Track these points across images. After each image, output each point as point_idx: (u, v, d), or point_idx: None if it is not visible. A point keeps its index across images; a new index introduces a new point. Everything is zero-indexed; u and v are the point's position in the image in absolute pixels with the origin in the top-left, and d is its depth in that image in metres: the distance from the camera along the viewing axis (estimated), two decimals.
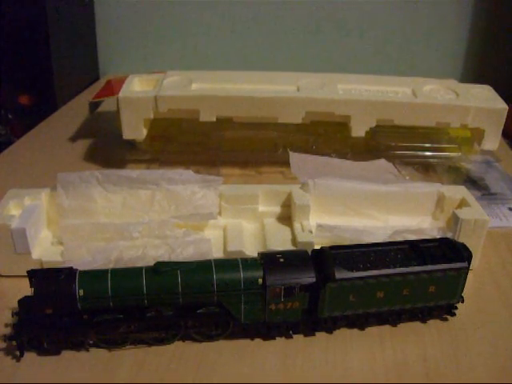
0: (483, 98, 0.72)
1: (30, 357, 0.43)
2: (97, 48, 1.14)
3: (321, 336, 0.46)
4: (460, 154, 0.75)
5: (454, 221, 0.53)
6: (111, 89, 0.78)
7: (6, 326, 0.45)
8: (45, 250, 0.52)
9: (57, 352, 0.43)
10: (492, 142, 0.71)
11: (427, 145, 0.76)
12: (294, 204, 0.55)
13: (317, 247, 0.48)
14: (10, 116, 0.95)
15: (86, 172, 0.54)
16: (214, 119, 0.69)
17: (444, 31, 1.11)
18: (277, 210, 0.58)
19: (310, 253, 0.46)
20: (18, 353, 0.42)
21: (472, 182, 0.72)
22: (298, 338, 0.46)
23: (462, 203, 0.56)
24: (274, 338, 0.46)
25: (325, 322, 0.46)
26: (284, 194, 0.58)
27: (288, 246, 0.53)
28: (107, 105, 0.83)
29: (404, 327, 0.48)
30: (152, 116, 0.68)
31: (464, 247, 0.47)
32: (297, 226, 0.55)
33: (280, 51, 1.12)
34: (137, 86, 0.72)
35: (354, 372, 0.43)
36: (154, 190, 0.55)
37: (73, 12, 1.01)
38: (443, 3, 1.08)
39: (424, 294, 0.46)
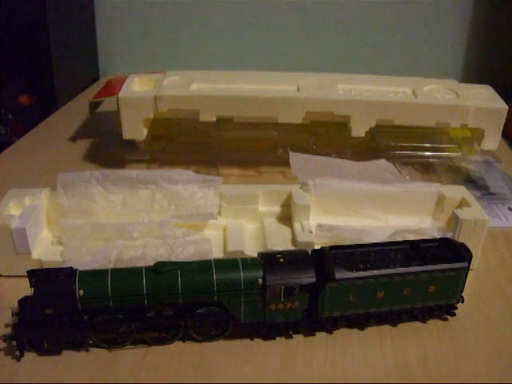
0: (483, 97, 0.72)
1: (29, 357, 0.43)
2: (97, 48, 1.14)
3: (321, 336, 0.46)
4: (460, 153, 0.76)
5: (454, 221, 0.53)
6: (111, 89, 0.78)
7: (6, 326, 0.45)
8: (45, 250, 0.52)
9: (57, 352, 0.43)
10: (492, 142, 0.71)
11: (427, 145, 0.76)
12: (294, 204, 0.55)
13: (317, 247, 0.48)
14: (9, 116, 0.95)
15: (86, 172, 0.54)
16: (214, 119, 0.69)
17: (444, 31, 1.11)
18: (277, 210, 0.58)
19: (310, 253, 0.46)
20: (18, 353, 0.42)
21: (472, 182, 0.72)
22: (298, 338, 0.46)
23: (462, 203, 0.56)
24: (274, 338, 0.46)
25: (325, 322, 0.46)
26: (284, 193, 0.58)
27: (288, 246, 0.53)
28: (107, 105, 0.82)
29: (404, 327, 0.48)
30: (152, 116, 0.68)
31: (464, 247, 0.47)
32: (297, 226, 0.55)
33: (280, 51, 1.12)
34: (137, 86, 0.72)
35: (354, 372, 0.43)
36: (153, 190, 0.55)
37: (73, 12, 1.01)
38: (443, 3, 1.08)
39: (424, 294, 0.46)
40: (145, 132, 0.70)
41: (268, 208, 0.58)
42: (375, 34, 1.11)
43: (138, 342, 0.44)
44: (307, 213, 0.55)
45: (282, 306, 0.44)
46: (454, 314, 0.49)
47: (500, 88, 0.75)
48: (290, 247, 0.53)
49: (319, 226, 0.53)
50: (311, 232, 0.53)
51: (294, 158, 0.62)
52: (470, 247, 0.48)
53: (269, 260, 0.44)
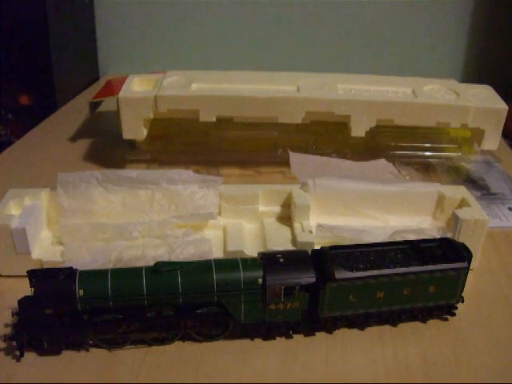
0: (483, 98, 0.72)
1: (29, 357, 0.43)
2: (97, 48, 1.14)
3: (321, 336, 0.46)
4: (460, 153, 0.75)
5: (454, 221, 0.53)
6: (111, 89, 0.78)
7: (6, 326, 0.45)
8: (45, 250, 0.52)
9: (57, 352, 0.43)
10: (492, 142, 0.71)
11: (427, 145, 0.76)
12: (294, 204, 0.55)
13: (317, 247, 0.48)
14: (9, 116, 0.95)
15: (86, 172, 0.54)
16: (214, 119, 0.69)
17: (444, 31, 1.11)
18: (277, 209, 0.58)
19: (309, 253, 0.46)
20: (18, 353, 0.42)
21: (472, 182, 0.72)
22: (298, 338, 0.46)
23: (462, 203, 0.56)
24: (274, 338, 0.46)
25: (325, 322, 0.46)
26: (284, 193, 0.58)
27: (288, 246, 0.53)
28: (107, 105, 0.83)
29: (404, 327, 0.48)
30: (152, 116, 0.68)
31: (464, 247, 0.47)
32: (297, 226, 0.55)
33: (280, 51, 1.12)
34: (137, 86, 0.72)
35: (354, 372, 0.43)
36: (153, 190, 0.55)
37: (73, 12, 1.01)
38: (443, 3, 1.08)
39: (424, 294, 0.46)
40: (145, 132, 0.70)
41: (268, 208, 0.58)
42: (375, 34, 1.11)
43: (138, 341, 0.44)
44: (307, 213, 0.55)
45: (281, 306, 0.44)
46: (454, 314, 0.49)
47: (500, 88, 0.75)
48: (290, 247, 0.53)
49: (319, 226, 0.53)
50: (311, 232, 0.53)
51: (294, 158, 0.62)
52: (469, 247, 0.48)
53: (269, 260, 0.44)
